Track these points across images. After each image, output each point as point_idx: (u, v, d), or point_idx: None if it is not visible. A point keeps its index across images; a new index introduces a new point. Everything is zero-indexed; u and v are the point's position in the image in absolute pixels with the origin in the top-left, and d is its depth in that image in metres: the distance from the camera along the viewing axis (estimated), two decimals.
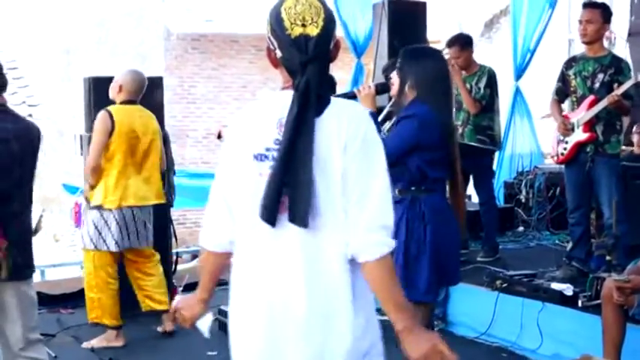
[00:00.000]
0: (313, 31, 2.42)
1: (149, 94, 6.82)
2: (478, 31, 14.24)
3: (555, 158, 6.57)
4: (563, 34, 10.40)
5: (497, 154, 9.64)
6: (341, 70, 10.64)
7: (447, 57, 7.33)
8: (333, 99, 2.49)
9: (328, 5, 2.51)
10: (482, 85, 7.27)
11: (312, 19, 2.43)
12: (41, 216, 16.39)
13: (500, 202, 9.47)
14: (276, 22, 2.45)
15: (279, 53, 2.48)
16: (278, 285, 2.43)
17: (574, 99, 6.41)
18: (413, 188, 4.24)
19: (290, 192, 2.37)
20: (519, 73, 9.55)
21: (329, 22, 2.46)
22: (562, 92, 6.51)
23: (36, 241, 11.54)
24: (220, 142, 15.72)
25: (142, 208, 6.13)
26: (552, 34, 9.69)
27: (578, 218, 6.42)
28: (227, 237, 2.56)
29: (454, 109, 7.30)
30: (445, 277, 4.35)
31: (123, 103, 6.09)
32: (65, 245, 15.97)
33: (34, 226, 14.78)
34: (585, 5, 6.33)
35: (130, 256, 6.24)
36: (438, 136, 4.22)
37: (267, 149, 2.44)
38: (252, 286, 2.49)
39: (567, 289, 5.72)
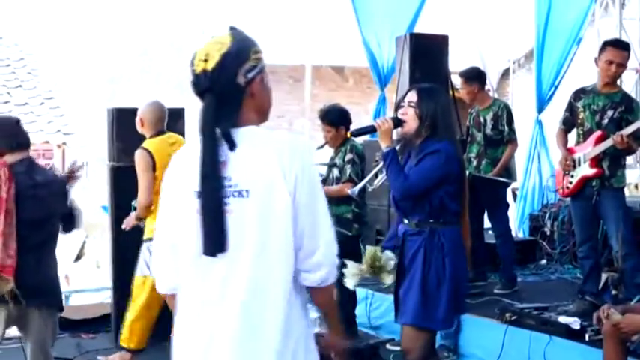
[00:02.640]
0: (210, 65, 2.52)
1: (171, 124, 7.00)
2: (501, 64, 14.27)
3: (561, 191, 6.58)
4: (592, 68, 10.39)
5: (520, 186, 9.73)
6: (371, 102, 10.82)
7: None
8: (260, 131, 2.56)
9: (247, 43, 2.58)
10: (504, 122, 7.37)
11: (212, 54, 2.53)
12: (84, 242, 16.63)
13: (526, 234, 9.51)
14: (191, 58, 2.58)
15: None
16: (213, 314, 2.53)
17: (580, 132, 6.40)
18: (431, 220, 4.43)
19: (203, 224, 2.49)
20: (542, 106, 9.61)
21: (227, 57, 2.52)
22: (569, 122, 6.52)
23: (78, 267, 11.80)
24: None
25: None
26: (580, 67, 9.69)
27: (586, 252, 6.41)
28: (176, 279, 2.65)
29: (467, 143, 7.48)
30: (459, 306, 4.53)
31: (153, 136, 6.25)
32: (107, 271, 16.21)
33: (77, 252, 14.98)
34: (618, 46, 6.29)
35: None
36: (457, 170, 4.44)
37: None
38: (193, 316, 2.58)
39: (574, 322, 5.71)
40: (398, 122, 4.53)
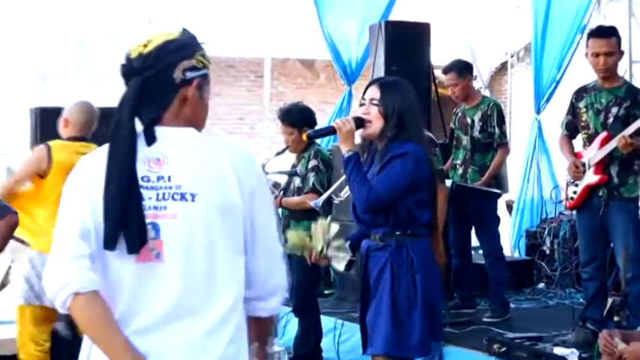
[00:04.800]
0: (148, 48, 2.62)
1: (105, 127, 7.00)
2: (496, 58, 14.39)
3: (566, 203, 6.67)
4: None
5: (517, 198, 9.83)
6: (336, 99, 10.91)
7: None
8: (202, 134, 2.66)
9: (195, 42, 2.69)
10: (494, 123, 7.49)
11: (154, 40, 2.63)
12: (9, 267, 16.49)
13: (522, 253, 9.61)
14: (126, 51, 2.67)
15: None
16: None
17: (585, 135, 6.49)
18: (398, 233, 4.50)
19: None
20: (541, 105, 9.76)
21: (169, 45, 2.62)
22: (572, 126, 6.61)
23: (2, 297, 11.63)
24: None
25: None
26: (585, 60, 9.83)
27: (591, 273, 6.48)
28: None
29: (452, 147, 7.58)
30: (435, 329, 4.62)
31: (69, 139, 6.25)
32: None
33: (0, 279, 14.89)
34: (598, 34, 6.39)
35: None
36: (428, 175, 4.51)
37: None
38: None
39: (571, 354, 5.81)
40: (360, 122, 4.59)
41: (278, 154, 7.08)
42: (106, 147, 2.62)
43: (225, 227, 2.55)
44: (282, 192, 6.89)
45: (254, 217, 2.60)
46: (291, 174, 6.90)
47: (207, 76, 2.70)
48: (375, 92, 4.56)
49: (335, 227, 4.71)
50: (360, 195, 4.47)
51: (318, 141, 7.09)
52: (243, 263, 2.61)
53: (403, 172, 4.43)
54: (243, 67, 15.67)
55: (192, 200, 2.52)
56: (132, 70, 2.61)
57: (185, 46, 2.64)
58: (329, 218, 4.86)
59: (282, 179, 7.12)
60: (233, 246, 2.58)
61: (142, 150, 2.57)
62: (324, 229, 4.69)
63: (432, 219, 4.59)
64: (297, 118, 6.91)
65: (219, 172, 2.56)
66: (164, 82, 2.62)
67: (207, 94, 2.72)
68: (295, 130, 6.87)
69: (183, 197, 2.53)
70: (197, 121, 2.70)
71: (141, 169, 2.55)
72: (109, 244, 2.50)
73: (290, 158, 7.21)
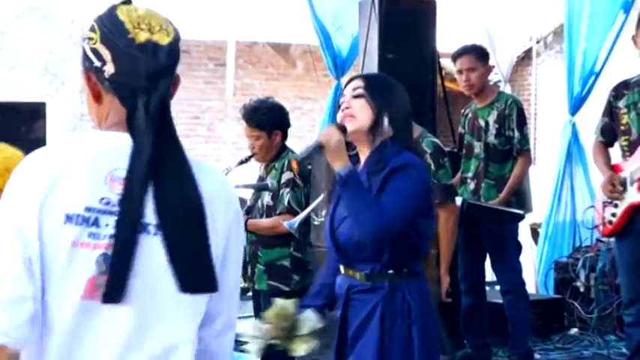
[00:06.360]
0: (164, 39, 2.56)
1: (26, 126, 7.02)
2: (518, 45, 14.47)
3: (602, 228, 6.66)
4: None
5: (545, 220, 9.83)
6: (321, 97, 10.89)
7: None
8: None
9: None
10: (514, 125, 7.49)
11: (160, 26, 2.57)
12: None
13: (550, 290, 9.62)
14: (112, 25, 2.54)
15: (110, 69, 2.56)
16: None
17: (625, 142, 6.56)
18: (391, 272, 4.35)
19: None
20: (577, 104, 9.79)
21: (178, 38, 2.61)
22: (610, 131, 6.66)
23: None
24: None
25: None
26: (629, 47, 9.89)
27: (636, 315, 6.52)
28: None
29: (462, 157, 7.57)
30: None
31: None
32: None
33: None
34: None
35: None
36: (430, 193, 4.51)
37: (88, 209, 2.52)
38: None
39: None
40: (341, 128, 4.57)
41: (241, 163, 7.00)
42: (67, 146, 2.59)
43: None
44: (247, 211, 6.82)
45: (225, 259, 2.63)
46: (260, 188, 6.82)
47: None
48: (358, 83, 4.54)
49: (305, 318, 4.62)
50: (367, 219, 4.25)
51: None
52: (203, 308, 2.63)
53: (410, 190, 4.32)
54: (201, 53, 15.67)
55: (153, 232, 2.51)
56: (162, 65, 2.54)
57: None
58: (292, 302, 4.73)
59: (248, 194, 7.07)
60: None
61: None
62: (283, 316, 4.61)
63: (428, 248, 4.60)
64: (265, 118, 6.84)
65: (190, 200, 2.53)
66: (171, 84, 2.62)
67: None
68: (264, 133, 6.80)
69: (145, 229, 2.51)
70: None
71: (100, 190, 2.52)
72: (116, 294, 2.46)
73: (256, 167, 7.16)
